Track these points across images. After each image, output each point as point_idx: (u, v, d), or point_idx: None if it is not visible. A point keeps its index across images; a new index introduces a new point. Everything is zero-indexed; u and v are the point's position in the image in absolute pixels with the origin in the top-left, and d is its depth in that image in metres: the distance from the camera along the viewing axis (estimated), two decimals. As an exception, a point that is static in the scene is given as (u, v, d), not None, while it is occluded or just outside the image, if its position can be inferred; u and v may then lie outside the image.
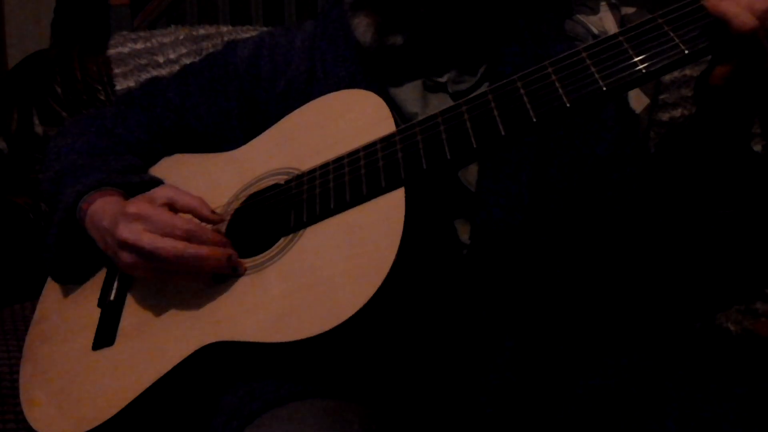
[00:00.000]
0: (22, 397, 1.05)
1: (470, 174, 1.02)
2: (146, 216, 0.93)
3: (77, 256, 1.08)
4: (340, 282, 0.84)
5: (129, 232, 0.92)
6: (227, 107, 1.14)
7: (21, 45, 2.10)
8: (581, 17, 1.66)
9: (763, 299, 1.49)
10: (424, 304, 0.95)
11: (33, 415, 1.02)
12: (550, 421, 0.95)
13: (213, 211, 0.98)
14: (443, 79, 1.07)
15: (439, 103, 1.04)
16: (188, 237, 0.92)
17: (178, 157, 1.15)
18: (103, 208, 0.99)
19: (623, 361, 0.97)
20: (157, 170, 1.14)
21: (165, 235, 0.91)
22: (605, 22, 1.64)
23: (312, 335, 0.82)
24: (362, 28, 1.03)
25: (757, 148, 1.52)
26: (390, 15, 1.03)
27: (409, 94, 1.06)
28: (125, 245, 0.93)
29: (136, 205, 0.94)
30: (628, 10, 1.65)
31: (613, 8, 1.65)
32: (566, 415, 0.94)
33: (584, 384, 0.95)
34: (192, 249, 0.91)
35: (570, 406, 0.94)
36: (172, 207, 0.96)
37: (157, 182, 1.08)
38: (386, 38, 1.03)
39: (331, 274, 0.86)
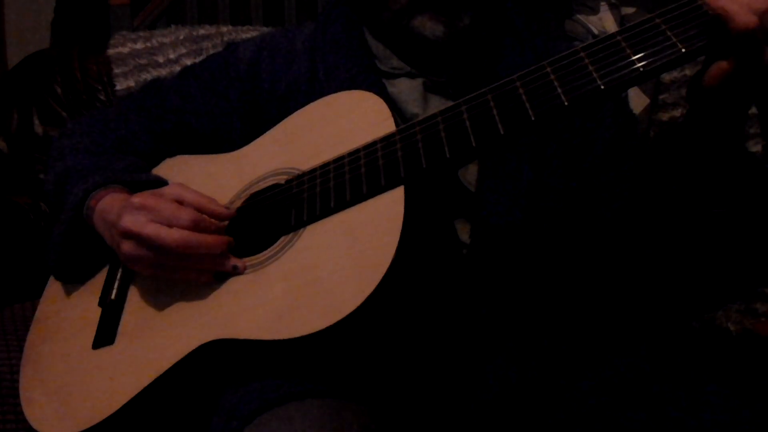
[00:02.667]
0: (23, 397, 1.05)
1: (470, 174, 1.03)
2: (151, 206, 0.93)
3: (81, 255, 1.08)
4: (339, 280, 0.84)
5: (132, 221, 0.92)
6: (228, 108, 1.14)
7: (21, 45, 2.10)
8: (581, 17, 1.66)
9: (763, 299, 1.49)
10: (424, 303, 0.95)
11: (33, 414, 1.02)
12: (549, 422, 0.94)
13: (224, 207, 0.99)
14: (443, 80, 1.07)
15: (439, 103, 1.04)
16: (193, 227, 0.92)
17: (179, 159, 1.16)
18: (112, 203, 1.00)
19: (623, 361, 0.97)
20: (160, 172, 1.14)
21: (170, 225, 0.92)
22: (605, 22, 1.65)
23: (311, 332, 0.82)
24: (429, 23, 1.02)
25: (757, 148, 1.53)
26: (454, 4, 1.03)
27: (410, 94, 1.06)
28: (127, 234, 0.93)
29: (142, 197, 0.95)
30: (628, 10, 1.65)
31: (613, 8, 1.65)
32: (566, 415, 0.94)
33: (584, 385, 0.95)
34: (197, 237, 0.91)
35: (570, 407, 0.94)
36: (180, 204, 0.96)
37: (164, 182, 1.08)
38: (458, 23, 1.03)
39: (330, 271, 0.86)
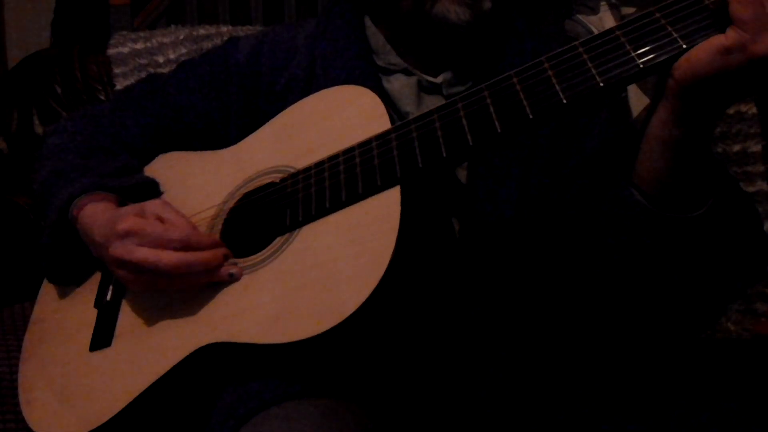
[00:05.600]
0: (21, 398, 1.05)
1: (464, 171, 1.02)
2: (137, 231, 0.92)
3: (72, 257, 1.07)
4: (336, 283, 0.84)
5: (122, 250, 0.92)
6: (227, 103, 1.14)
7: (21, 45, 2.11)
8: (581, 17, 1.66)
9: (763, 299, 1.49)
10: (421, 303, 0.94)
11: (32, 415, 1.02)
12: (549, 423, 0.94)
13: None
14: (438, 80, 1.07)
15: (434, 103, 1.03)
16: (184, 247, 0.92)
17: (173, 155, 1.15)
18: (94, 216, 0.99)
19: (622, 361, 0.97)
20: (152, 168, 1.13)
21: (160, 247, 0.91)
22: (605, 22, 1.64)
23: (309, 336, 0.82)
24: (454, 8, 1.00)
25: (757, 148, 1.53)
26: None
27: (405, 92, 1.06)
28: (120, 263, 0.93)
29: (126, 221, 0.94)
30: (628, 11, 1.65)
31: (613, 8, 1.65)
32: (565, 416, 0.93)
33: (583, 385, 0.95)
34: (192, 256, 0.91)
35: (567, 408, 0.94)
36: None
37: (151, 182, 1.07)
38: (481, 6, 1.01)
39: (327, 273, 0.85)
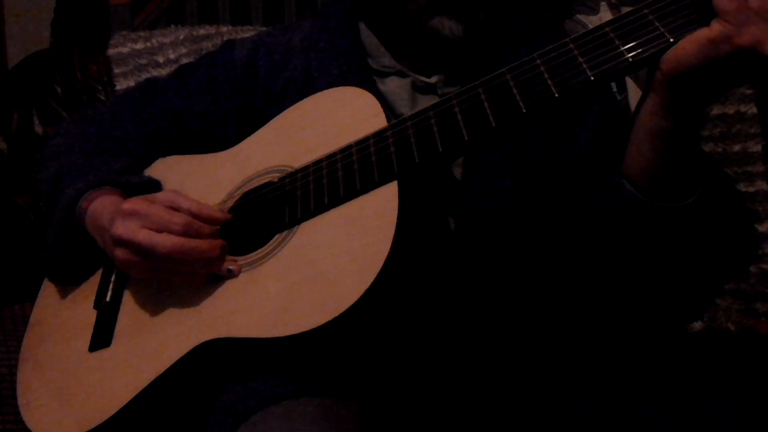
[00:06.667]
0: (20, 400, 1.05)
1: (460, 167, 1.02)
2: (142, 212, 0.93)
3: (75, 257, 1.08)
4: (335, 277, 0.84)
5: (124, 228, 0.92)
6: (225, 107, 1.14)
7: (21, 45, 2.11)
8: (581, 17, 1.66)
9: (763, 299, 1.49)
10: (419, 299, 0.95)
11: (32, 417, 1.02)
12: (549, 422, 0.94)
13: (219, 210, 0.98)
14: (433, 81, 1.07)
15: (428, 103, 1.04)
16: (185, 232, 0.92)
17: (172, 159, 1.15)
18: (103, 207, 1.00)
19: (622, 361, 0.97)
20: (152, 172, 1.13)
21: (162, 230, 0.92)
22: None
23: (308, 329, 0.82)
24: (449, 23, 1.01)
25: (757, 148, 1.53)
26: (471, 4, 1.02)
27: (399, 94, 1.06)
28: (120, 242, 0.93)
29: (133, 203, 0.95)
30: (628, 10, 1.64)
31: (613, 8, 1.65)
32: (566, 416, 0.93)
33: (580, 386, 0.95)
34: (190, 243, 0.91)
35: (569, 407, 0.94)
36: (174, 210, 0.96)
37: (157, 183, 1.08)
38: (475, 21, 1.02)
39: (326, 268, 0.86)
